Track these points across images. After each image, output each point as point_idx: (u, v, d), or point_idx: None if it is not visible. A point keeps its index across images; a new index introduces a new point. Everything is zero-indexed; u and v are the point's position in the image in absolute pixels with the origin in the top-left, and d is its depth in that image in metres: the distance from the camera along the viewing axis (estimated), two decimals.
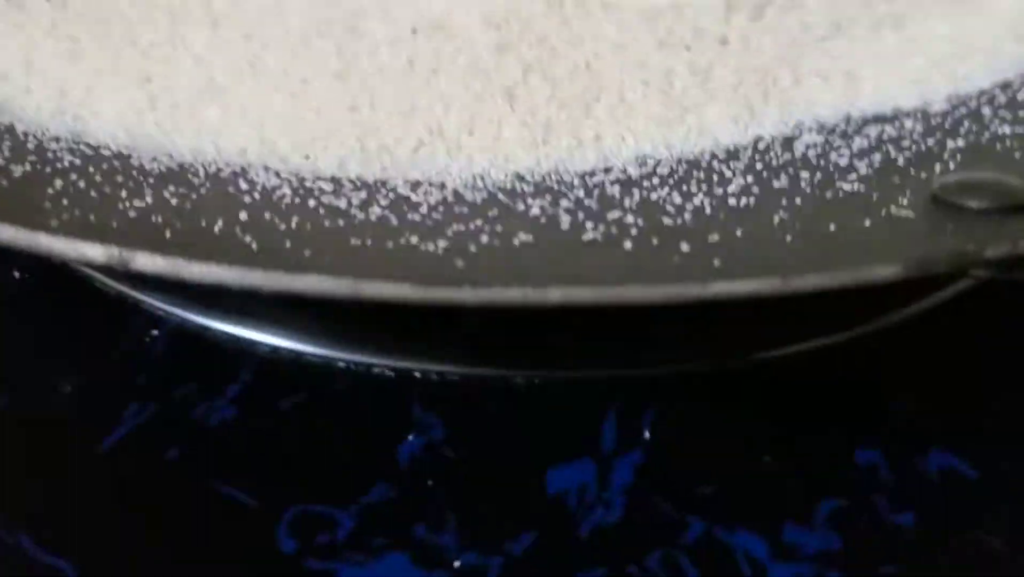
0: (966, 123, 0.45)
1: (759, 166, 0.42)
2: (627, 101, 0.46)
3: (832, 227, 0.36)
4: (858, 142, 0.45)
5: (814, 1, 0.52)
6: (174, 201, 0.37)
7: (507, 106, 0.44)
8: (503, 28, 0.47)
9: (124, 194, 0.37)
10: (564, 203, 0.39)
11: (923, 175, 0.39)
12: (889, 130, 0.46)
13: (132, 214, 0.35)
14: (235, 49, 0.47)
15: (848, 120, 0.47)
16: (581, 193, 0.40)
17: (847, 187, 0.40)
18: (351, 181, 0.41)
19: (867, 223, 0.36)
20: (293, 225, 0.35)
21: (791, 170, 0.41)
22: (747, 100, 0.46)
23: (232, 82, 0.46)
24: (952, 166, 0.41)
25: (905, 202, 0.38)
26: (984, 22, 0.53)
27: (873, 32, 0.51)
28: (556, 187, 0.40)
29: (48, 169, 0.38)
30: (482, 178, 0.41)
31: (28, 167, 0.38)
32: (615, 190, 0.40)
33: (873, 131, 0.46)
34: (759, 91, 0.47)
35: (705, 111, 0.46)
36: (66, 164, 0.39)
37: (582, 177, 0.42)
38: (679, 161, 0.43)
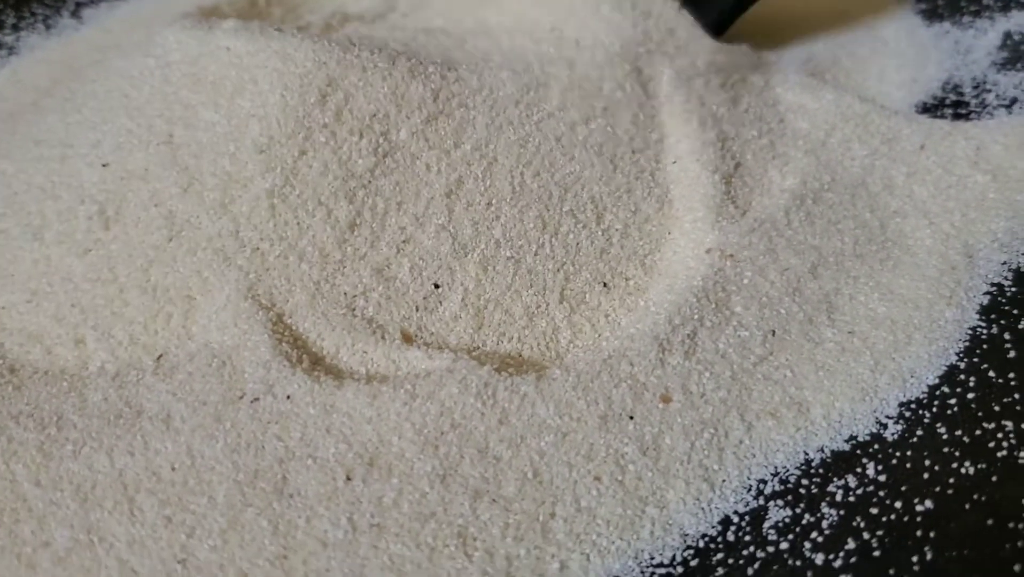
0: (928, 460, 0.44)
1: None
2: (584, 507, 0.44)
3: None
4: (828, 514, 0.43)
5: (741, 309, 0.50)
6: None
7: (463, 557, 0.42)
8: (440, 446, 0.45)
9: None
10: None
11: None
12: (852, 483, 0.45)
13: None
14: (159, 542, 0.43)
15: (808, 469, 0.46)
16: None
17: None
18: None
19: None
20: None
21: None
22: (703, 467, 0.45)
23: None
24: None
25: None
26: (911, 283, 0.52)
27: (809, 330, 0.50)
28: None
29: None
30: None
31: None
32: None
33: (839, 491, 0.44)
34: (714, 451, 0.46)
35: (665, 497, 0.44)
36: None
37: None
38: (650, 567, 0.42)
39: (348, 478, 0.44)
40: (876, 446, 0.46)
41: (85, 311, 0.51)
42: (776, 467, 0.46)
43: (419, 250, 0.51)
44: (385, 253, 0.51)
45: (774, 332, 0.49)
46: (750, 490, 0.45)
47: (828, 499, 0.44)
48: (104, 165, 0.54)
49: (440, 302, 0.50)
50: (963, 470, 0.44)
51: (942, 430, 0.46)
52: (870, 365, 0.49)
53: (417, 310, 0.50)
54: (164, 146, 0.54)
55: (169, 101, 0.55)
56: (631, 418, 0.46)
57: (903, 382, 0.48)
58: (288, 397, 0.46)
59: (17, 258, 0.53)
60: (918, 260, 0.53)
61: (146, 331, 0.50)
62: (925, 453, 0.45)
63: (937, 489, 0.44)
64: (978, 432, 0.46)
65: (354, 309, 0.50)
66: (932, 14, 0.74)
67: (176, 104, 0.55)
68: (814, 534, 0.43)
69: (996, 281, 0.53)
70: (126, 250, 0.52)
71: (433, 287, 0.50)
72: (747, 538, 0.43)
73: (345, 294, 0.50)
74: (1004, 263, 0.54)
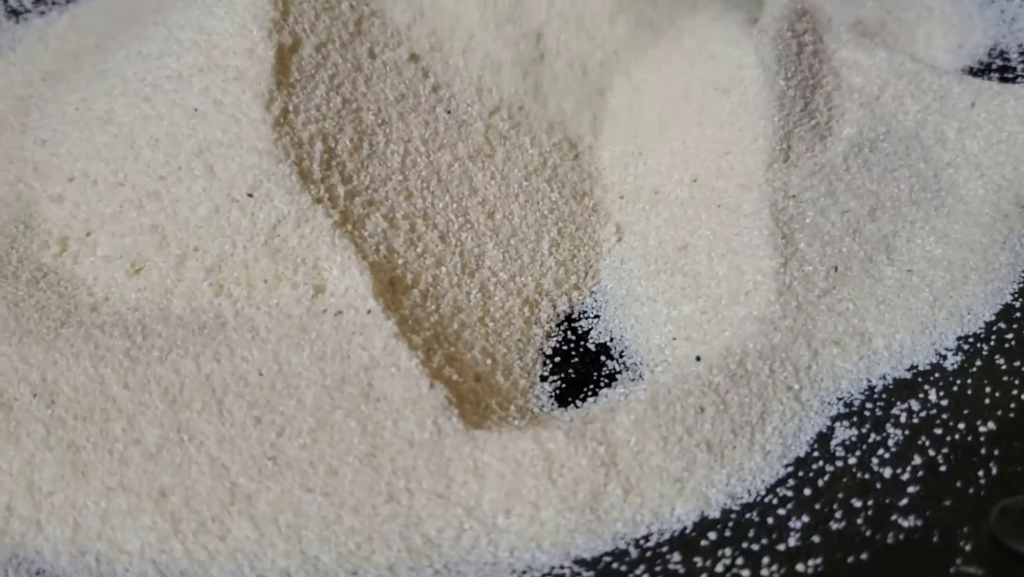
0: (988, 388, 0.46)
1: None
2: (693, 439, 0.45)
3: None
4: (893, 434, 0.45)
5: (805, 246, 0.52)
6: None
7: (548, 481, 0.43)
8: None
9: None
10: None
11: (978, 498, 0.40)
12: (915, 407, 0.46)
13: None
14: (249, 440, 0.45)
15: (872, 394, 0.47)
16: None
17: (904, 524, 0.41)
18: None
19: None
20: None
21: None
22: (787, 387, 0.47)
23: (255, 485, 0.44)
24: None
25: (968, 547, 0.39)
26: (965, 228, 0.54)
27: (870, 268, 0.52)
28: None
29: None
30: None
31: None
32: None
33: (903, 414, 0.46)
34: (790, 373, 0.48)
35: (764, 420, 0.46)
36: None
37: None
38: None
39: (431, 385, 0.45)
40: (937, 375, 0.48)
41: (171, 231, 0.52)
42: (841, 392, 0.47)
43: None
44: None
45: (836, 268, 0.51)
46: (819, 413, 0.47)
47: (892, 421, 0.46)
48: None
49: None
50: (1023, 396, 0.46)
51: (1000, 361, 0.48)
52: (929, 301, 0.50)
53: None
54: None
55: None
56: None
57: (960, 318, 0.50)
58: (369, 311, 0.48)
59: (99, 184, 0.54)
60: (971, 208, 0.55)
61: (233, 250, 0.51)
62: (984, 381, 0.47)
63: (999, 412, 0.45)
64: None
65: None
66: None
67: None
68: (881, 451, 0.44)
69: None
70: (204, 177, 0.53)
71: None
72: (815, 454, 0.45)
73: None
74: None
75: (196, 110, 0.55)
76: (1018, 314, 0.50)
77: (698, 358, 0.47)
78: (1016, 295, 0.51)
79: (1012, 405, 0.45)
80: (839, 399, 0.47)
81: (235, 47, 0.57)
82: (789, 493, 0.43)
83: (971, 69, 0.68)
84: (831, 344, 0.48)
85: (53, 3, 0.78)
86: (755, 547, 0.41)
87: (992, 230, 0.54)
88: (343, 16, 0.61)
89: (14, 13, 0.76)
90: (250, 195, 0.51)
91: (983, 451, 0.43)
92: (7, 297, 0.50)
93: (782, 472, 0.44)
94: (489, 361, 0.49)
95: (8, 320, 0.49)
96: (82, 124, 0.58)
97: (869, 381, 0.48)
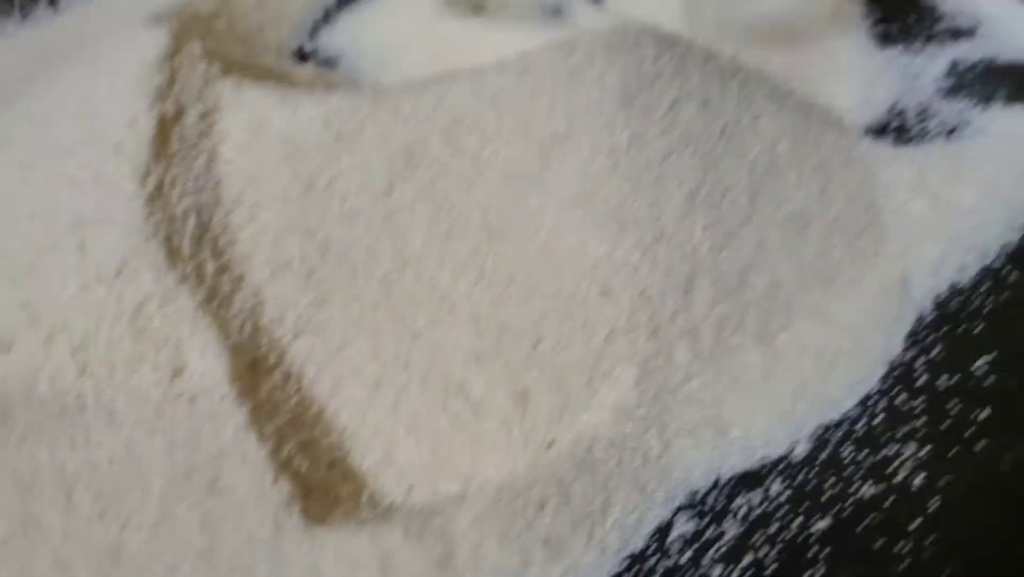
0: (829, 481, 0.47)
1: None
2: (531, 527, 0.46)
3: None
4: (729, 530, 0.46)
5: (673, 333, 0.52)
6: None
7: None
8: None
9: None
10: None
11: None
12: (755, 500, 0.47)
13: None
14: (93, 534, 0.46)
15: (716, 484, 0.48)
16: None
17: None
18: None
19: None
20: None
21: None
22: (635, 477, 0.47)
23: None
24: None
25: None
26: (850, 312, 0.54)
27: (738, 353, 0.52)
28: None
29: None
30: None
31: None
32: None
33: (742, 508, 0.47)
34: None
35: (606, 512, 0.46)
36: None
37: None
38: None
39: (275, 480, 0.46)
40: (782, 465, 0.48)
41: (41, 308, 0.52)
42: (689, 483, 0.48)
43: None
44: None
45: (700, 355, 0.51)
46: (663, 505, 0.47)
47: (731, 514, 0.46)
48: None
49: None
50: (860, 491, 0.46)
51: (846, 452, 0.48)
52: (792, 389, 0.51)
53: None
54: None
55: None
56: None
57: (822, 407, 0.50)
58: (222, 398, 0.48)
59: None
60: (857, 287, 0.55)
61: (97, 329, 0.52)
62: (828, 473, 0.48)
63: (835, 509, 0.46)
64: (879, 456, 0.48)
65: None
66: (886, 38, 0.75)
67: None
68: (714, 548, 0.45)
69: (921, 307, 0.55)
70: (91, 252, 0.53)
71: None
72: (652, 548, 0.45)
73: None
74: (932, 289, 0.56)
75: (74, 182, 0.55)
76: (875, 400, 0.50)
77: (550, 445, 0.48)
78: (882, 380, 0.52)
79: (848, 501, 0.46)
80: (684, 490, 0.48)
81: (117, 118, 0.58)
82: None
83: (869, 127, 0.68)
84: (685, 434, 0.49)
85: None
86: None
87: (870, 310, 0.54)
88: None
89: None
90: (118, 273, 0.52)
91: (813, 551, 0.44)
92: None
93: (618, 568, 0.44)
94: (347, 444, 0.50)
95: None
96: None
97: (718, 472, 0.48)
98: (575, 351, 0.51)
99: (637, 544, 0.46)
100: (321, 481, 0.48)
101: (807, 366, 0.52)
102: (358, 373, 0.52)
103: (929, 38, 0.74)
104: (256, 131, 0.58)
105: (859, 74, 0.73)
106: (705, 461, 0.49)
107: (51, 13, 0.83)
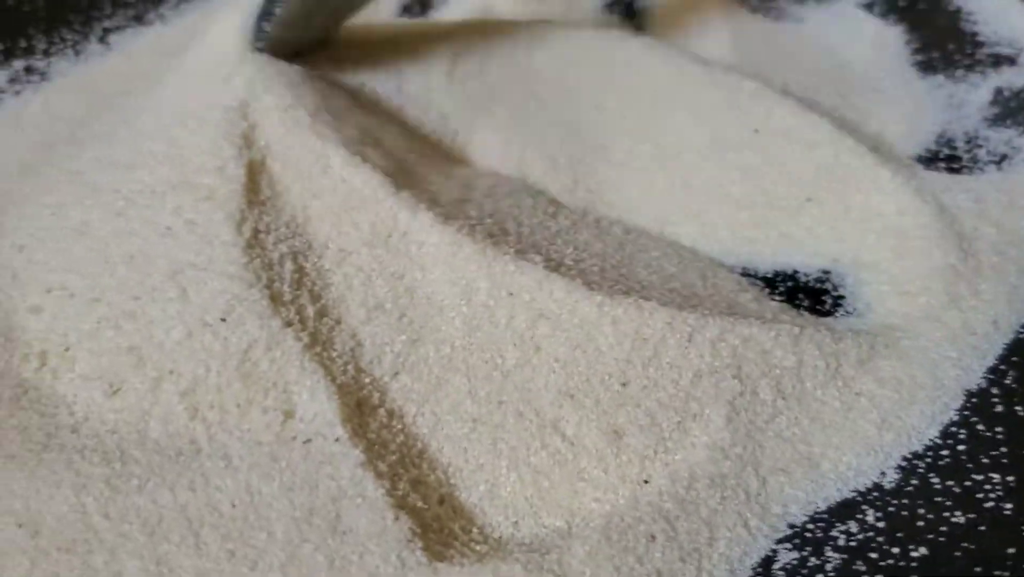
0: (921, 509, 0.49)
1: None
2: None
3: None
4: (832, 558, 0.48)
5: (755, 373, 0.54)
6: None
7: None
8: None
9: None
10: None
11: None
12: (853, 529, 0.49)
13: None
14: (222, 574, 0.47)
15: (814, 515, 0.50)
16: None
17: None
18: None
19: None
20: None
21: None
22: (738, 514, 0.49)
23: None
24: None
25: None
26: (917, 346, 0.56)
27: (817, 392, 0.54)
28: None
29: None
30: None
31: None
32: None
33: (840, 537, 0.49)
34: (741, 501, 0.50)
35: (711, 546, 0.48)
36: None
37: None
38: None
39: (396, 518, 0.47)
40: (875, 494, 0.50)
41: (147, 352, 0.54)
42: (788, 516, 0.50)
43: None
44: None
45: (783, 395, 0.53)
46: (767, 537, 0.49)
47: (831, 544, 0.49)
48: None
49: None
50: (952, 518, 0.49)
51: (935, 480, 0.51)
52: (876, 422, 0.53)
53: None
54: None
55: None
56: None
57: (907, 437, 0.53)
58: (336, 440, 0.50)
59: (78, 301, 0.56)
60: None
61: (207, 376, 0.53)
62: (919, 502, 0.50)
63: (930, 536, 0.48)
64: (967, 483, 0.50)
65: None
66: (927, 66, 0.78)
67: None
68: (819, 576, 0.47)
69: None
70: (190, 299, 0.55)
71: None
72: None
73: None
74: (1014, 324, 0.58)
75: (169, 228, 0.57)
76: (955, 429, 0.53)
77: (646, 481, 0.50)
78: (958, 411, 0.54)
79: (943, 528, 0.48)
80: (784, 523, 0.50)
81: (206, 164, 0.59)
82: None
83: (920, 157, 0.70)
84: (779, 471, 0.51)
85: (27, 81, 0.79)
86: None
87: (942, 346, 0.56)
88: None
89: None
90: (223, 320, 0.54)
91: None
92: None
93: None
94: (453, 480, 0.52)
95: None
96: (58, 233, 0.60)
97: (816, 505, 0.50)
98: (663, 391, 0.53)
99: (744, 575, 0.47)
100: (435, 517, 0.50)
101: (887, 399, 0.54)
102: (456, 410, 0.54)
103: (970, 66, 0.77)
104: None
105: (904, 103, 0.75)
106: (802, 496, 0.51)
107: (102, 49, 0.84)
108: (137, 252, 0.57)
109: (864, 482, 0.51)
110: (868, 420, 0.53)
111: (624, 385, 0.53)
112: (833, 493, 0.51)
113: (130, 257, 0.57)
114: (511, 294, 0.56)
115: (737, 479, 0.50)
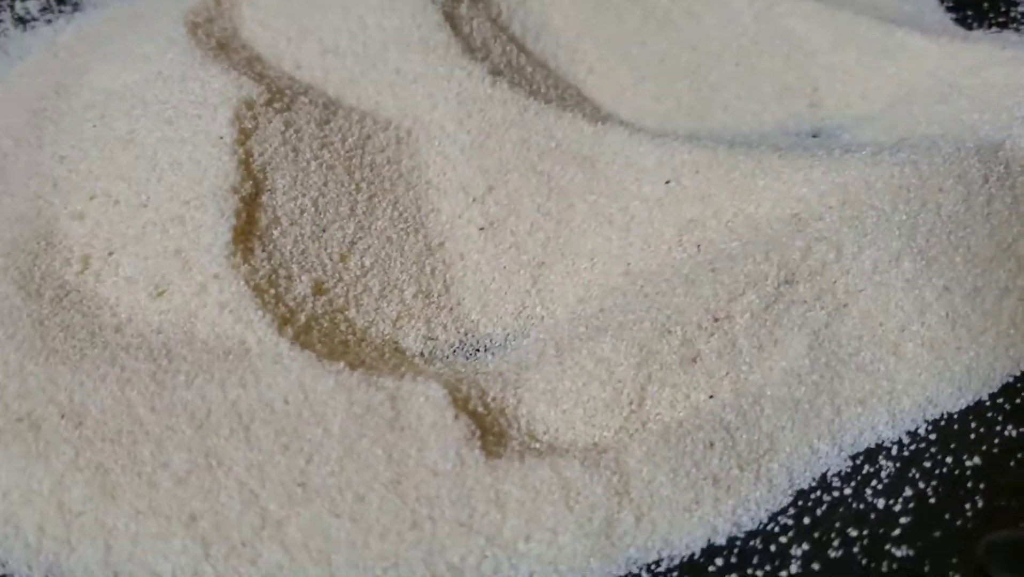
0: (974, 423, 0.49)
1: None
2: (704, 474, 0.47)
3: None
4: (885, 466, 0.48)
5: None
6: None
7: (564, 508, 0.45)
8: None
9: None
10: None
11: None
12: (905, 440, 0.49)
13: None
14: (277, 467, 0.47)
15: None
16: None
17: (898, 553, 0.44)
18: None
19: None
20: None
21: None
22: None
23: (285, 511, 0.46)
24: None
25: None
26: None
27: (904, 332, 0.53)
28: None
29: None
30: None
31: None
32: None
33: (893, 446, 0.49)
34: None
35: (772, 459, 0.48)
36: None
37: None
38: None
39: (456, 417, 0.47)
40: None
41: (193, 257, 0.53)
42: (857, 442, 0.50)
43: None
44: None
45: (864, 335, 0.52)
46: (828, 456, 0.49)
47: (884, 453, 0.49)
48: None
49: None
50: (1005, 432, 0.49)
51: (984, 397, 0.51)
52: (965, 363, 0.52)
53: None
54: None
55: None
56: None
57: (994, 376, 0.52)
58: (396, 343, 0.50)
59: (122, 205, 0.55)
60: None
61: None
62: (969, 417, 0.50)
63: (983, 448, 0.48)
64: (1018, 400, 0.50)
65: None
66: (961, 23, 0.78)
67: None
68: (874, 482, 0.47)
69: None
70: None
71: None
72: (812, 483, 0.47)
73: None
74: None
75: (222, 139, 0.56)
76: None
77: (711, 396, 0.49)
78: None
79: (996, 441, 0.48)
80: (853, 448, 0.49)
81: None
82: (790, 522, 0.46)
83: None
84: (855, 403, 0.50)
85: (60, 11, 0.78)
86: (759, 573, 0.43)
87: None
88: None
89: (21, 21, 0.77)
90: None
91: (969, 484, 0.46)
92: (32, 315, 0.51)
93: (784, 501, 0.46)
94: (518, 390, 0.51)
95: (34, 339, 0.50)
96: (102, 142, 0.60)
97: (891, 437, 0.50)
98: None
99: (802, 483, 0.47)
100: (494, 422, 0.49)
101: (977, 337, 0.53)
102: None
103: (1004, 23, 0.77)
104: None
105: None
106: (877, 427, 0.50)
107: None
108: (187, 160, 0.56)
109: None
110: (958, 360, 0.52)
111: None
112: (908, 425, 0.50)
113: (179, 165, 0.56)
114: None
115: (811, 404, 0.49)
